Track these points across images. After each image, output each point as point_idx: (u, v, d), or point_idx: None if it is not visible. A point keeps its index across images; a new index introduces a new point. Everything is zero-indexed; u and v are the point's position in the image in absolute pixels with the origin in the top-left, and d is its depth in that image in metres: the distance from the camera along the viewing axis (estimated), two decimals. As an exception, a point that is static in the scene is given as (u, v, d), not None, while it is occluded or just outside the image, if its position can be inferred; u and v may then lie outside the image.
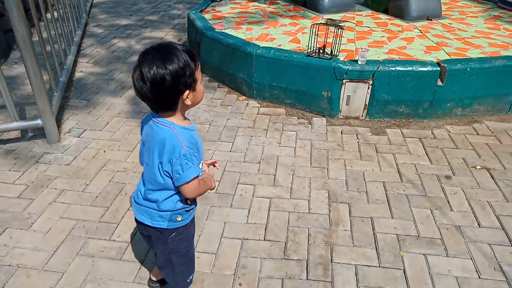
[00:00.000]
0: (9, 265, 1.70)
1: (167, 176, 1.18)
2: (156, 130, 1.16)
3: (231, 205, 2.08)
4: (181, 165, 1.13)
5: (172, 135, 1.13)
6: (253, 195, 2.16)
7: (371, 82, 2.76)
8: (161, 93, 1.09)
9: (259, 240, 1.87)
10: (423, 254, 1.79)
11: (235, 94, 3.27)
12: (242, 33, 3.42)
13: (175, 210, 1.26)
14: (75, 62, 3.72)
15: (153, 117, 1.18)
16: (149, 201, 1.25)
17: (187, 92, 1.12)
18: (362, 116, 2.91)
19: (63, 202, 2.07)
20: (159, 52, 1.07)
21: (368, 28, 3.58)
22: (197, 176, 1.17)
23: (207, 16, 3.88)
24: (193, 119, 2.87)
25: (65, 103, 3.06)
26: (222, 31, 3.42)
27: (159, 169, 1.17)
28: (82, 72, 3.62)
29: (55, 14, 3.33)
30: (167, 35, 4.65)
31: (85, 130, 2.72)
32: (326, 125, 2.84)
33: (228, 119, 2.91)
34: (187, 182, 1.15)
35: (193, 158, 1.15)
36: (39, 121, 2.46)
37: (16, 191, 2.14)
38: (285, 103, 3.07)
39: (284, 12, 4.08)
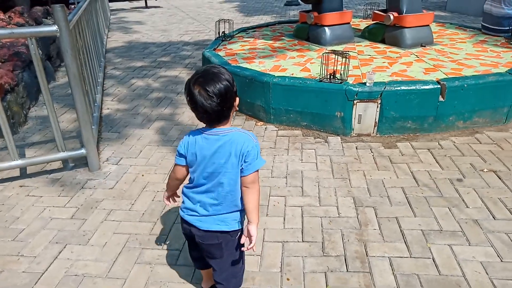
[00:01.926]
0: (76, 275, 1.86)
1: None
2: (225, 138, 1.33)
3: (267, 214, 2.28)
4: (256, 152, 1.35)
5: (240, 134, 1.34)
6: (285, 205, 2.36)
7: (379, 101, 3.05)
8: (226, 103, 1.30)
9: (298, 241, 2.05)
10: (448, 245, 1.98)
11: (254, 120, 3.55)
12: (255, 66, 3.76)
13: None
14: (101, 101, 4.01)
15: (208, 132, 1.34)
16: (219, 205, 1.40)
17: (237, 98, 1.37)
18: (373, 133, 3.18)
19: (113, 220, 2.26)
20: (211, 72, 1.29)
21: (369, 56, 3.95)
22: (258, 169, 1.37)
23: (220, 53, 4.25)
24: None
25: (98, 136, 3.30)
26: (238, 65, 3.76)
27: (239, 163, 1.33)
28: (109, 109, 3.91)
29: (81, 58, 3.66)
30: (181, 73, 5.01)
31: (122, 158, 2.95)
32: (341, 142, 3.10)
33: (250, 142, 3.15)
34: (257, 170, 1.35)
35: (260, 150, 1.36)
36: (83, 150, 2.69)
37: (69, 213, 2.33)
38: (301, 125, 3.34)
39: (290, 46, 4.47)
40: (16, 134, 3.34)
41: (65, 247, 2.05)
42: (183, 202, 1.49)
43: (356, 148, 3.00)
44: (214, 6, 11.27)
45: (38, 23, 5.65)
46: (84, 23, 3.65)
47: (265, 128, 3.40)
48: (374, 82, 3.06)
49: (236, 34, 5.22)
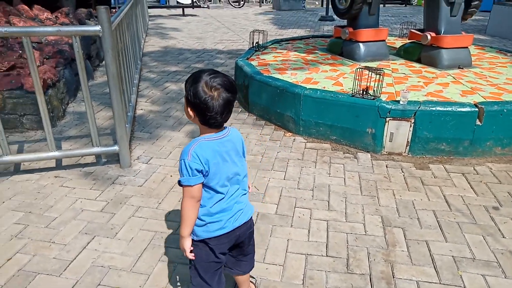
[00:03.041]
0: (102, 266, 1.90)
1: None
2: (233, 136, 1.41)
3: (292, 225, 2.26)
4: None
5: (234, 129, 1.45)
6: (310, 217, 2.33)
7: (413, 121, 2.99)
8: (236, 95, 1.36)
9: (322, 256, 2.02)
10: (481, 275, 1.89)
11: (282, 131, 3.55)
12: (287, 77, 3.77)
13: None
14: (135, 102, 4.14)
15: (219, 137, 1.35)
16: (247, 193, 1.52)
17: None
18: (405, 152, 3.11)
19: (140, 217, 2.30)
20: (210, 70, 1.33)
21: (404, 74, 3.89)
22: None
23: (253, 62, 4.30)
24: (247, 151, 3.14)
25: (131, 135, 3.40)
26: (270, 75, 3.79)
27: (243, 152, 1.48)
28: (142, 110, 4.03)
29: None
30: (213, 80, 5.09)
31: (152, 157, 3.02)
32: (371, 159, 3.04)
33: (278, 152, 3.16)
34: None
35: None
36: (116, 147, 2.77)
37: (99, 206, 2.39)
38: (330, 139, 3.32)
39: (323, 60, 4.48)
40: (54, 127, 3.49)
41: (93, 238, 2.10)
42: (215, 222, 1.39)
43: (386, 167, 2.94)
44: (249, 18, 11.47)
45: (82, 23, 5.92)
46: (124, 25, 3.80)
47: (294, 139, 3.39)
48: (408, 100, 3.00)
49: (270, 45, 5.28)
